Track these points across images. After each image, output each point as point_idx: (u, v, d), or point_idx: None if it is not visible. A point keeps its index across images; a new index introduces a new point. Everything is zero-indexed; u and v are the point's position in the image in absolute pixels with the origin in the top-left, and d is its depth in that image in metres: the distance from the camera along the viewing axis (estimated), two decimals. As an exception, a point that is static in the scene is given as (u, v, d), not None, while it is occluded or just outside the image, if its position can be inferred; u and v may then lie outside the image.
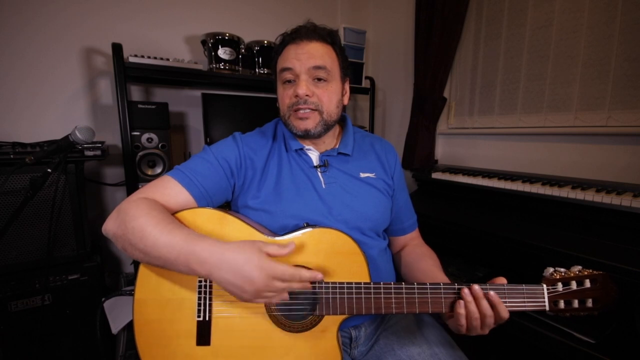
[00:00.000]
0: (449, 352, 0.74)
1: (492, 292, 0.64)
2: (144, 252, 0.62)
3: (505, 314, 0.64)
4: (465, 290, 0.64)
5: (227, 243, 0.61)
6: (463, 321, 0.64)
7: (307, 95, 0.77)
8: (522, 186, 1.26)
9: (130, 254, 0.65)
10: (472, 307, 0.64)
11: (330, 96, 0.80)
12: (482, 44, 1.70)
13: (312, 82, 0.78)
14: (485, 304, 0.64)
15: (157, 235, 0.61)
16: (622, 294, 0.86)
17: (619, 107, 1.24)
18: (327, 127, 0.81)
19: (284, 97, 0.80)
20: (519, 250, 1.11)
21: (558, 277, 0.67)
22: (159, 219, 0.64)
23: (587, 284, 0.66)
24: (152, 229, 0.62)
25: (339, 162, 0.86)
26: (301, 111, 0.78)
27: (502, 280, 0.67)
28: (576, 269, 0.68)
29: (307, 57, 0.77)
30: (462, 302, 0.64)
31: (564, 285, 0.67)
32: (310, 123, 0.79)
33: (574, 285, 0.66)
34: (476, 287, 0.65)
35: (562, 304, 0.67)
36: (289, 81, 0.79)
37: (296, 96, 0.77)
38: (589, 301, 0.66)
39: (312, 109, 0.78)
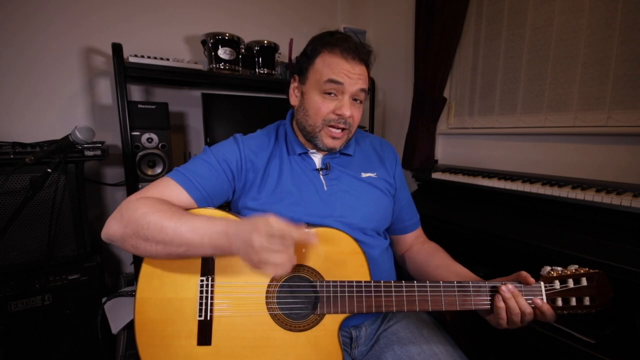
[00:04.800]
0: (449, 351, 0.74)
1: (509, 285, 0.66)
2: (164, 242, 0.63)
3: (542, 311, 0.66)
4: (503, 288, 0.66)
5: (244, 218, 0.66)
6: (504, 315, 0.66)
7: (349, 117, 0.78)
8: (522, 186, 1.26)
9: (142, 250, 0.65)
10: (512, 303, 0.65)
11: (360, 116, 0.83)
12: (482, 44, 1.70)
13: (352, 103, 0.79)
14: (522, 300, 0.65)
15: (176, 224, 0.63)
16: (622, 294, 0.86)
17: (619, 107, 1.25)
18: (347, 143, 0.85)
19: (322, 108, 0.78)
20: (519, 250, 1.11)
21: (555, 275, 0.68)
22: (172, 212, 0.66)
23: (584, 282, 0.67)
24: (169, 221, 0.63)
25: (341, 162, 0.87)
26: (336, 130, 0.79)
27: (524, 274, 0.68)
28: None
29: (357, 78, 0.77)
30: (500, 296, 0.66)
31: (561, 283, 0.67)
32: (339, 143, 0.81)
33: (570, 283, 0.67)
34: (510, 286, 0.66)
35: (559, 302, 0.67)
36: (330, 93, 0.77)
37: (338, 115, 0.77)
38: (586, 299, 0.67)
39: (345, 129, 0.79)
